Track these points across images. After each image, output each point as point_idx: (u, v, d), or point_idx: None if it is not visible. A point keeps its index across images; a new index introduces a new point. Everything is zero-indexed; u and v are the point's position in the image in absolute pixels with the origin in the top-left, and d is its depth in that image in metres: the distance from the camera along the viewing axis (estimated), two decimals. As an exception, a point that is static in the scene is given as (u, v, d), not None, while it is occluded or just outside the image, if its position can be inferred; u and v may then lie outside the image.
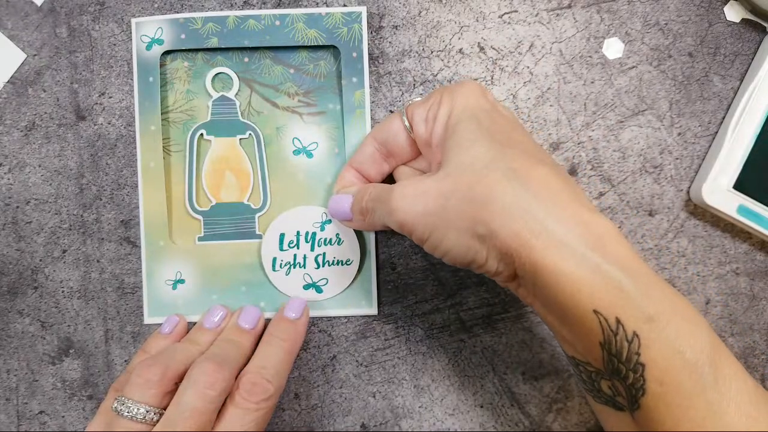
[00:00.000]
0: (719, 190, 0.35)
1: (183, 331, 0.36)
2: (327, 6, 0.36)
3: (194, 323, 0.37)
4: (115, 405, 0.30)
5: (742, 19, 0.37)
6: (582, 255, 0.25)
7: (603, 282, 0.25)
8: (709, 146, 0.37)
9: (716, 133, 0.37)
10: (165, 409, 0.30)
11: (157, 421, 0.30)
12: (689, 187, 0.37)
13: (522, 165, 0.27)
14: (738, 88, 0.37)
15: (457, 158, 0.28)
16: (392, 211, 0.30)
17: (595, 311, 0.25)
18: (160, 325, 0.37)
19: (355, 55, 0.36)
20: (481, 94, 0.31)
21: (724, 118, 0.37)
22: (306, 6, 0.37)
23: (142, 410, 0.30)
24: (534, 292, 0.27)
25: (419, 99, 0.33)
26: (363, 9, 0.36)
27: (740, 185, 0.35)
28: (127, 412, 0.30)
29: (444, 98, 0.31)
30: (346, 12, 0.36)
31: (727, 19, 0.37)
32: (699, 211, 0.37)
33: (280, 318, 0.35)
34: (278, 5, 0.37)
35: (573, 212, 0.26)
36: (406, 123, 0.32)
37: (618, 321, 0.25)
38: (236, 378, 0.31)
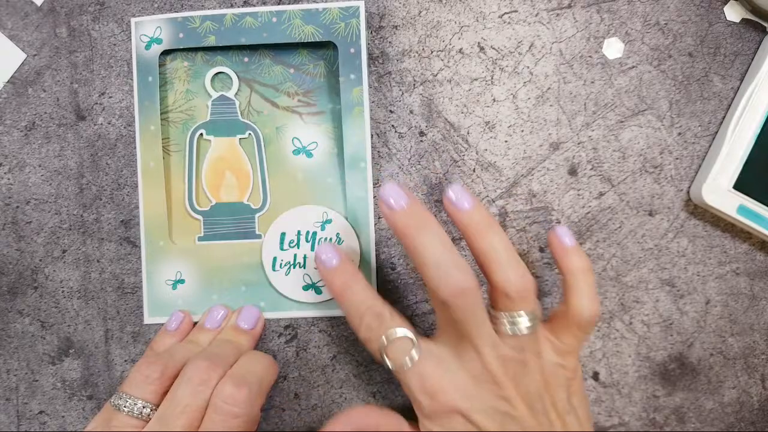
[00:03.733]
0: (719, 190, 0.35)
1: (188, 328, 0.36)
2: (324, 1, 0.36)
3: (196, 323, 0.37)
4: (113, 400, 0.31)
5: (742, 19, 0.37)
6: None
7: None
8: (709, 146, 0.37)
9: (716, 133, 0.37)
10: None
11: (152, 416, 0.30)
12: (689, 187, 0.37)
13: None
14: (738, 88, 0.37)
15: None
16: None
17: None
18: (160, 325, 0.37)
19: (352, 51, 0.36)
20: None
21: (724, 118, 0.37)
22: (304, 2, 0.37)
23: (138, 405, 0.30)
24: None
25: None
26: (361, 3, 0.36)
27: (740, 185, 0.35)
28: (125, 407, 0.30)
29: None
30: (344, 7, 0.36)
31: (727, 19, 0.37)
32: (699, 211, 0.37)
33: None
34: (278, 2, 0.37)
35: None
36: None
37: None
38: None
